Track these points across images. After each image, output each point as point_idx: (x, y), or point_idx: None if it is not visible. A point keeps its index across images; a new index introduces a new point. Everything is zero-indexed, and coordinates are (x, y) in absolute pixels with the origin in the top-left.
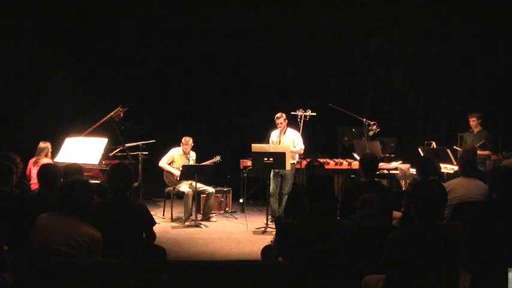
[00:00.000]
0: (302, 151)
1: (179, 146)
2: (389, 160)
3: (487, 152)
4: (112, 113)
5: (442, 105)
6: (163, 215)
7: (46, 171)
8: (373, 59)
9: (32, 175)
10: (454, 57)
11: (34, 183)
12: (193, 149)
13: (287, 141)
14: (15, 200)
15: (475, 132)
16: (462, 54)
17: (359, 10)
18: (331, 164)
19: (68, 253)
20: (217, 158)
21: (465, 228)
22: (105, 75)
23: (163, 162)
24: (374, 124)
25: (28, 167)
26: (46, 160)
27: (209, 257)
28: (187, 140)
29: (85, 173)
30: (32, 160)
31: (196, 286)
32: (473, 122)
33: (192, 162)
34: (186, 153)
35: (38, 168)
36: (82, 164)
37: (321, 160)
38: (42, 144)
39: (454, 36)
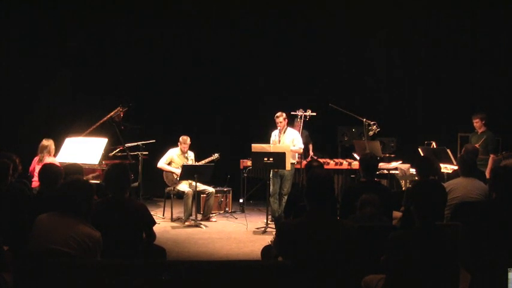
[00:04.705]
0: (301, 150)
1: (177, 146)
2: (389, 160)
3: (490, 156)
4: (112, 113)
5: (442, 105)
6: (163, 215)
7: (47, 171)
8: (373, 59)
9: (35, 173)
10: (454, 56)
11: (36, 181)
12: (193, 149)
13: (287, 140)
14: (14, 200)
15: (479, 133)
16: (462, 53)
17: (359, 9)
18: (331, 164)
19: (68, 253)
20: (216, 156)
21: (465, 228)
22: (105, 75)
23: (162, 163)
24: (374, 124)
25: (32, 165)
26: (50, 159)
27: (209, 257)
28: (185, 139)
29: (91, 174)
30: (36, 158)
31: (196, 286)
32: (476, 123)
33: (190, 162)
34: (184, 153)
35: (40, 167)
36: (82, 164)
37: (321, 160)
38: (45, 142)
39: (454, 35)
